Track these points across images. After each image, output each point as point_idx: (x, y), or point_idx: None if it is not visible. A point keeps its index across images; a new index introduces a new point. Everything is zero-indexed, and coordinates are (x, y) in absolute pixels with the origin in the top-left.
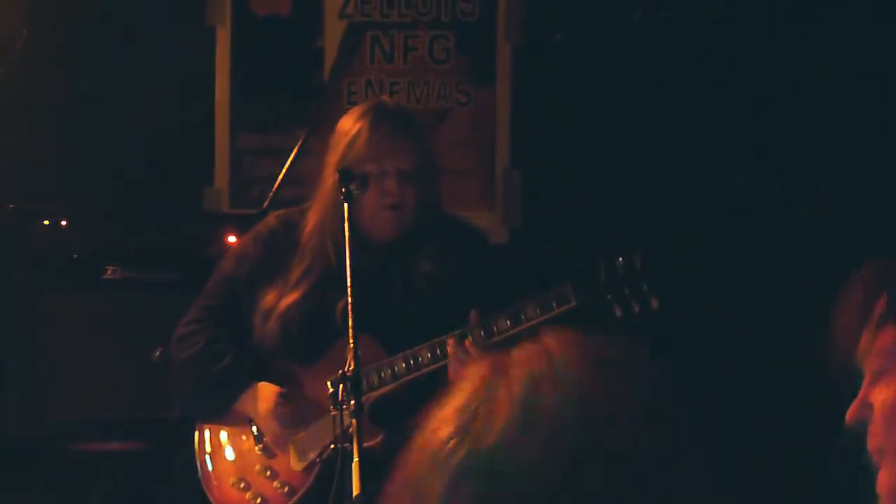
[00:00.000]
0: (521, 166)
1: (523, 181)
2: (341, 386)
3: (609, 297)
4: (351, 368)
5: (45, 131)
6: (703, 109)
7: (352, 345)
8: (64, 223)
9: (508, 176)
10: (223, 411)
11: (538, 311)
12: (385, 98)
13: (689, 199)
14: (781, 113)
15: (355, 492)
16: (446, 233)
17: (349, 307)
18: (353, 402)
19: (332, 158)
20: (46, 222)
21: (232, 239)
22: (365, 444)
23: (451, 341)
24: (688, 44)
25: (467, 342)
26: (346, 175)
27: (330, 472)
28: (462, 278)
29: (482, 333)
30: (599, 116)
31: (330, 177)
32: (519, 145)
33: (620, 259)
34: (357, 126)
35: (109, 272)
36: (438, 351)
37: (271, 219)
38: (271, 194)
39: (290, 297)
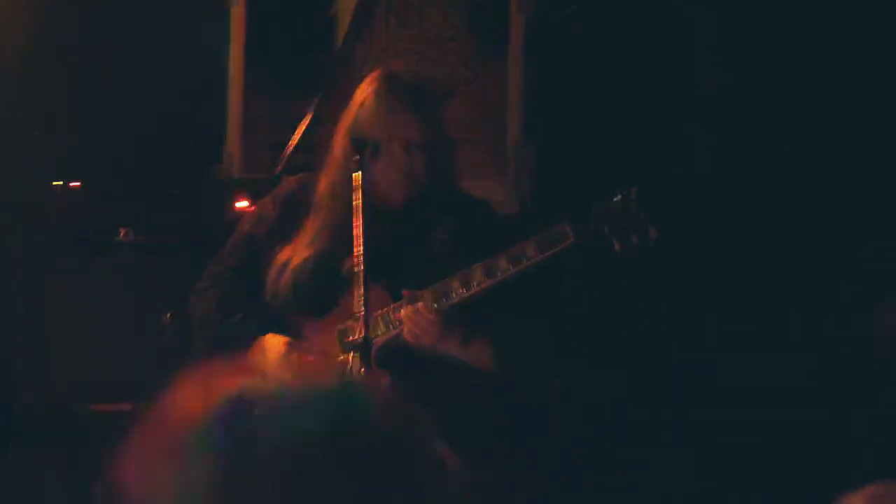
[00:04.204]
0: (533, 137)
1: (536, 153)
2: (352, 353)
3: (606, 230)
4: (360, 335)
5: (60, 98)
6: (720, 77)
7: (360, 312)
8: (76, 184)
9: (520, 147)
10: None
11: (537, 250)
12: (399, 65)
13: (706, 172)
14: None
15: None
16: (459, 204)
17: (359, 274)
18: (362, 368)
19: (345, 124)
20: (59, 183)
21: (242, 204)
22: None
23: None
24: (701, 9)
25: (420, 305)
26: (357, 142)
27: None
28: (471, 249)
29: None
30: (612, 87)
31: (342, 142)
32: (531, 117)
33: (617, 194)
34: (369, 94)
35: (122, 235)
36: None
37: (290, 181)
38: (283, 160)
39: (303, 254)
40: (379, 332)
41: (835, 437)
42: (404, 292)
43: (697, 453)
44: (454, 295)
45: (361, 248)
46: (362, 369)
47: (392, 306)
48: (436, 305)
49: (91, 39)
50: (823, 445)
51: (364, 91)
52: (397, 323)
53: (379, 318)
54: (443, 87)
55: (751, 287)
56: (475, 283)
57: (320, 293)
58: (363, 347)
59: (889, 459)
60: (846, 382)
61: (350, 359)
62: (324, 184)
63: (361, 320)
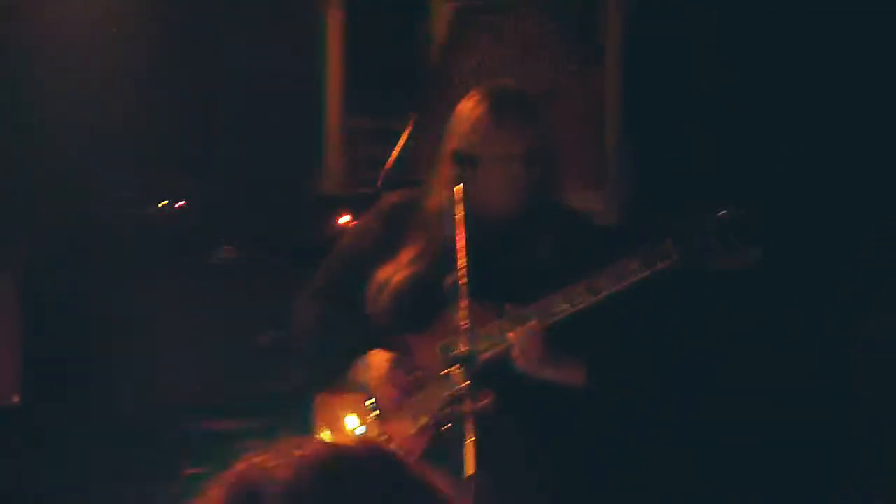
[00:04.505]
0: (633, 144)
1: (634, 161)
2: (456, 367)
3: (708, 252)
4: (464, 349)
5: (162, 117)
6: (825, 77)
7: (465, 325)
8: (181, 204)
9: (618, 154)
10: (340, 381)
11: (641, 267)
12: (502, 81)
13: (814, 179)
14: None
15: (468, 471)
16: (563, 220)
17: (462, 288)
18: (466, 382)
19: (450, 140)
20: (164, 204)
21: (344, 219)
22: (475, 405)
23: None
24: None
25: (535, 324)
26: (459, 157)
27: (443, 442)
28: (574, 264)
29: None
30: (714, 91)
31: (446, 159)
32: (630, 124)
33: (720, 214)
34: (472, 108)
35: (225, 253)
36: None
37: (392, 196)
38: (383, 172)
39: (405, 272)
40: (483, 349)
41: (833, 438)
42: (506, 307)
43: (699, 453)
44: (558, 313)
45: (465, 260)
46: (466, 383)
47: (497, 323)
48: (545, 322)
49: (192, 58)
50: (823, 446)
51: (466, 106)
52: (501, 340)
53: (483, 334)
54: (544, 99)
55: (749, 287)
56: (579, 301)
57: (421, 308)
58: (467, 361)
59: (886, 460)
60: (845, 383)
61: (454, 373)
62: (431, 201)
63: (465, 334)
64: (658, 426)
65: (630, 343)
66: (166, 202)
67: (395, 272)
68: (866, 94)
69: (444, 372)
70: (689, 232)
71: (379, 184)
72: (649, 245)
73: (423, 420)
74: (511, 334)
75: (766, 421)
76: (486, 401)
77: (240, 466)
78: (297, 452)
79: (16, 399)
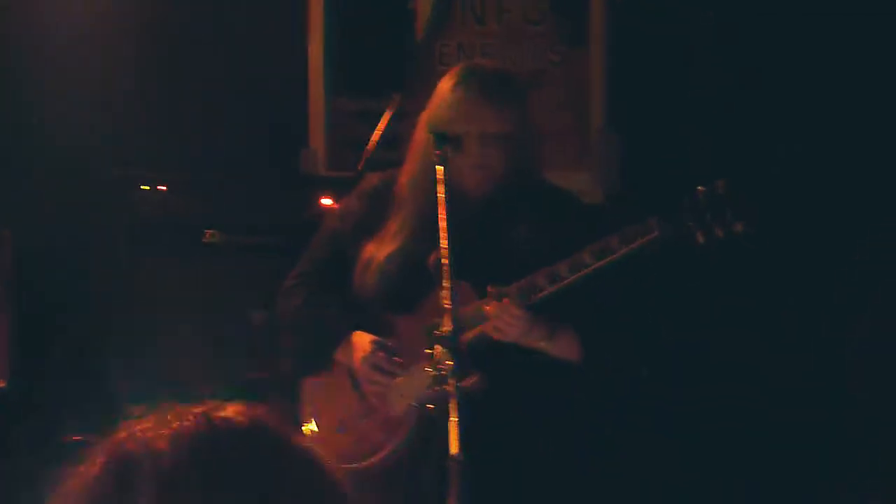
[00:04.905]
0: (618, 126)
1: (619, 142)
2: (438, 346)
3: (691, 224)
4: (447, 328)
5: (143, 100)
6: (810, 62)
7: (448, 304)
8: (163, 188)
9: (604, 137)
10: (327, 362)
11: (622, 244)
12: (480, 60)
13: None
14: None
15: (452, 450)
16: (543, 198)
17: (444, 268)
18: (450, 361)
19: (426, 119)
20: (146, 188)
21: (327, 202)
22: (461, 384)
23: (491, 303)
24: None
25: (507, 302)
26: (439, 137)
27: (427, 416)
28: (556, 242)
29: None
30: (703, 76)
31: (424, 138)
32: (615, 105)
33: (702, 187)
34: (452, 87)
35: (208, 236)
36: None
37: (374, 177)
38: (366, 156)
39: (388, 249)
40: (467, 328)
41: (829, 438)
42: (489, 289)
43: (693, 452)
44: (540, 290)
45: (446, 240)
46: (449, 363)
47: (479, 302)
48: (522, 301)
49: (176, 41)
50: (819, 446)
51: (444, 85)
52: (484, 319)
53: (467, 313)
54: (526, 78)
55: (746, 288)
56: (560, 278)
57: (406, 288)
58: (450, 341)
59: (882, 461)
60: (842, 383)
61: (437, 352)
62: (406, 179)
63: (448, 313)
64: (645, 408)
65: (615, 320)
66: (148, 186)
67: (378, 250)
68: (862, 94)
69: (427, 351)
70: (668, 208)
71: (360, 167)
72: (632, 223)
73: (409, 400)
74: (488, 308)
75: (761, 421)
76: (471, 381)
77: (119, 435)
78: (177, 423)
79: (2, 384)
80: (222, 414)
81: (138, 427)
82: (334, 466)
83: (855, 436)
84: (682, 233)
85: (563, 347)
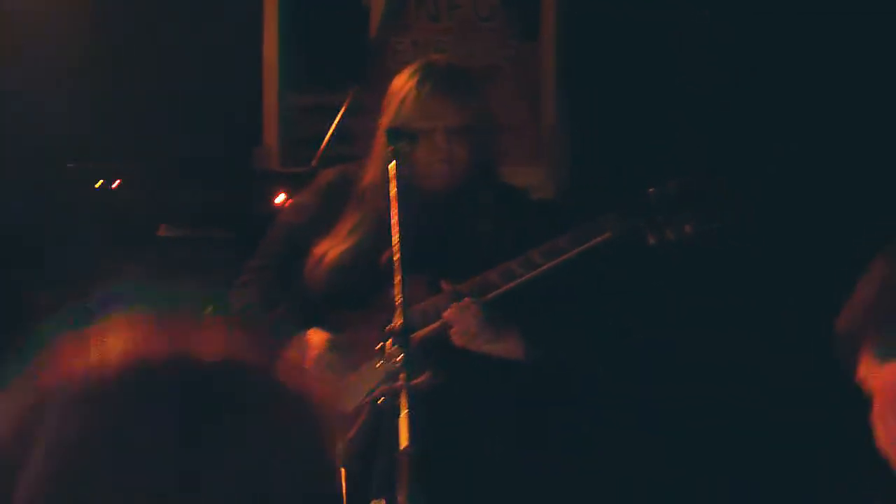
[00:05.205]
0: (570, 120)
1: (572, 137)
2: (388, 341)
3: (642, 223)
4: (398, 323)
5: (96, 93)
6: (755, 59)
7: (399, 300)
8: (117, 184)
9: (556, 132)
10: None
11: (574, 244)
12: (436, 56)
13: (741, 157)
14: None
15: (402, 444)
16: (499, 192)
17: (396, 263)
18: (400, 356)
19: (385, 116)
20: (100, 183)
21: (281, 198)
22: (412, 383)
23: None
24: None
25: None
26: (394, 133)
27: (378, 416)
28: (511, 238)
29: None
30: (648, 70)
31: (382, 134)
32: (567, 100)
33: (653, 188)
34: (406, 84)
35: (162, 231)
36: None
37: (328, 173)
38: (320, 152)
39: (342, 246)
40: (420, 325)
41: (830, 437)
42: (444, 286)
43: (692, 453)
44: (494, 287)
45: (398, 236)
46: (399, 357)
47: (432, 300)
48: (477, 299)
49: (130, 36)
50: (820, 447)
51: (401, 81)
52: (437, 317)
53: (420, 311)
54: (481, 72)
55: (743, 288)
56: (515, 276)
57: (359, 285)
58: (401, 335)
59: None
60: (841, 384)
61: (388, 347)
62: (367, 176)
63: (399, 309)
64: (610, 406)
65: (569, 318)
66: (102, 182)
67: (331, 247)
68: (857, 92)
69: (378, 347)
70: (622, 208)
71: (314, 163)
72: (585, 221)
73: (360, 398)
74: (446, 312)
75: (761, 422)
76: (423, 378)
77: (37, 370)
78: (98, 362)
79: None
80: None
81: (57, 363)
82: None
83: (855, 436)
84: (633, 233)
85: (508, 349)
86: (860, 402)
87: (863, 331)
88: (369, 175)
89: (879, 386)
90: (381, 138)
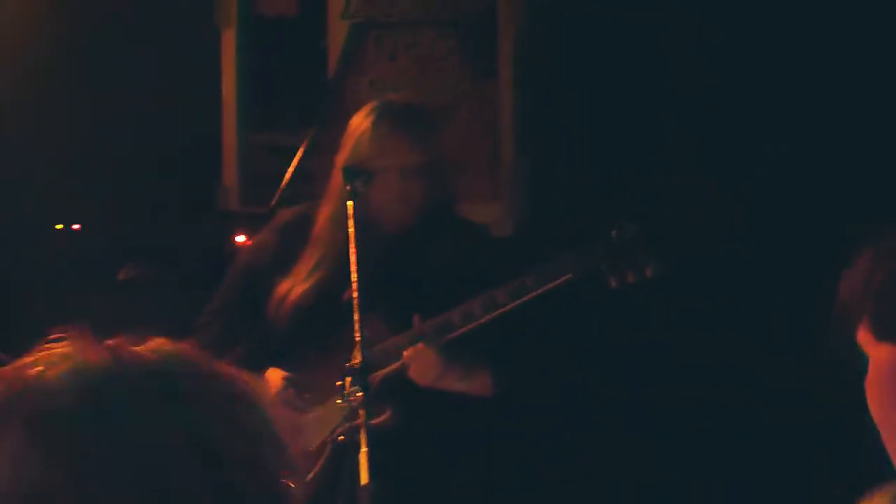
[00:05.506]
0: (528, 157)
1: (530, 172)
2: (348, 378)
3: (603, 267)
4: (357, 361)
5: (53, 135)
6: (716, 94)
7: (358, 337)
8: (76, 227)
9: (514, 167)
10: None
11: (536, 284)
12: (393, 95)
13: (702, 188)
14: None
15: (363, 481)
16: (457, 229)
17: (354, 301)
18: (360, 393)
19: (341, 155)
20: (60, 227)
21: (241, 238)
22: (372, 422)
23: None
24: (697, 28)
25: (422, 346)
26: (349, 172)
27: (339, 453)
28: (470, 275)
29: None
30: (607, 103)
31: (338, 173)
32: (525, 136)
33: (614, 231)
34: (362, 123)
35: (124, 272)
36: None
37: (286, 212)
38: (279, 192)
39: (303, 286)
40: (382, 365)
41: (830, 439)
42: (415, 318)
43: (693, 459)
44: (454, 328)
45: (356, 274)
46: (359, 394)
47: (393, 339)
48: (435, 341)
49: (86, 76)
50: (820, 446)
51: (360, 122)
52: (397, 357)
53: (382, 350)
54: (438, 110)
55: (738, 290)
56: (475, 317)
57: (321, 324)
58: (360, 372)
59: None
60: (839, 385)
61: (347, 384)
62: (324, 215)
63: (358, 346)
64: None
65: (531, 353)
66: (61, 226)
67: (293, 286)
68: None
69: (338, 384)
70: (584, 249)
71: (273, 203)
72: (546, 261)
73: (321, 438)
74: (406, 353)
75: (760, 422)
76: (383, 417)
77: (6, 370)
78: (70, 359)
79: None
80: (135, 349)
81: (28, 361)
82: (269, 401)
83: (855, 436)
84: (595, 275)
85: (476, 385)
86: (853, 403)
87: (860, 303)
88: (325, 213)
89: (874, 359)
90: (337, 177)
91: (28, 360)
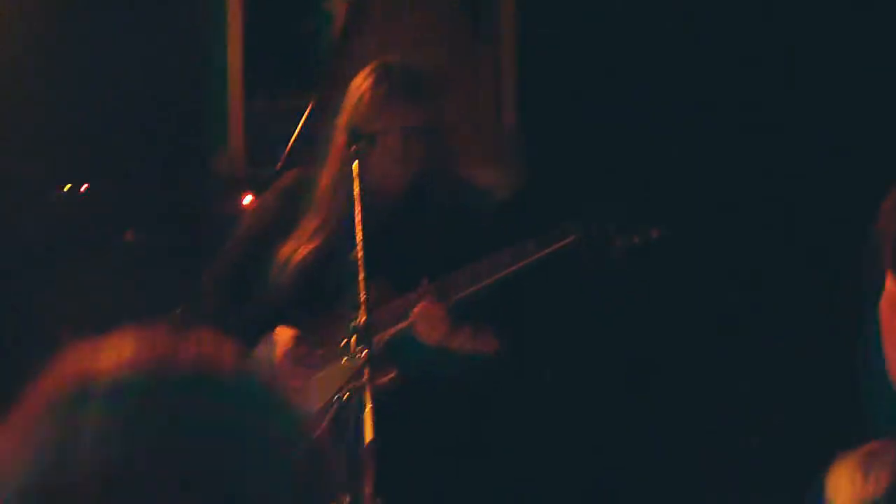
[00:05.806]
0: (528, 123)
1: (530, 138)
2: (353, 338)
3: (609, 228)
4: (362, 320)
5: (63, 98)
6: (712, 62)
7: (363, 297)
8: (85, 188)
9: (513, 132)
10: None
11: (541, 246)
12: (392, 57)
13: (702, 157)
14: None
15: (368, 438)
16: (458, 191)
17: (359, 261)
18: (365, 351)
19: (342, 118)
20: (68, 187)
21: (248, 200)
22: (377, 381)
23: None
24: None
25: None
26: (353, 135)
27: (346, 412)
28: (472, 237)
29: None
30: (608, 68)
31: (340, 135)
32: (525, 101)
33: (619, 194)
34: (363, 86)
35: (128, 235)
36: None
37: (289, 175)
38: (285, 155)
39: (306, 248)
40: (387, 325)
41: (833, 439)
42: (417, 287)
43: (697, 455)
44: (460, 290)
45: (361, 235)
46: (363, 351)
47: (399, 300)
48: (443, 300)
49: (86, 37)
50: (820, 447)
51: (359, 83)
52: (404, 317)
53: (389, 310)
54: (439, 74)
55: (741, 288)
56: (480, 278)
57: (325, 286)
58: (364, 331)
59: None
60: (844, 384)
61: (351, 342)
62: (325, 178)
63: (363, 306)
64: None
65: (534, 317)
66: (69, 186)
67: (297, 248)
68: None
69: (343, 343)
70: (587, 214)
71: (279, 167)
72: (549, 226)
73: (329, 393)
74: (414, 310)
75: (760, 422)
76: (388, 378)
77: (67, 360)
78: (129, 350)
79: None
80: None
81: (86, 352)
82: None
83: (855, 436)
84: (600, 238)
85: (482, 345)
86: (852, 403)
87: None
88: (327, 176)
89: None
90: (338, 140)
91: (98, 345)
